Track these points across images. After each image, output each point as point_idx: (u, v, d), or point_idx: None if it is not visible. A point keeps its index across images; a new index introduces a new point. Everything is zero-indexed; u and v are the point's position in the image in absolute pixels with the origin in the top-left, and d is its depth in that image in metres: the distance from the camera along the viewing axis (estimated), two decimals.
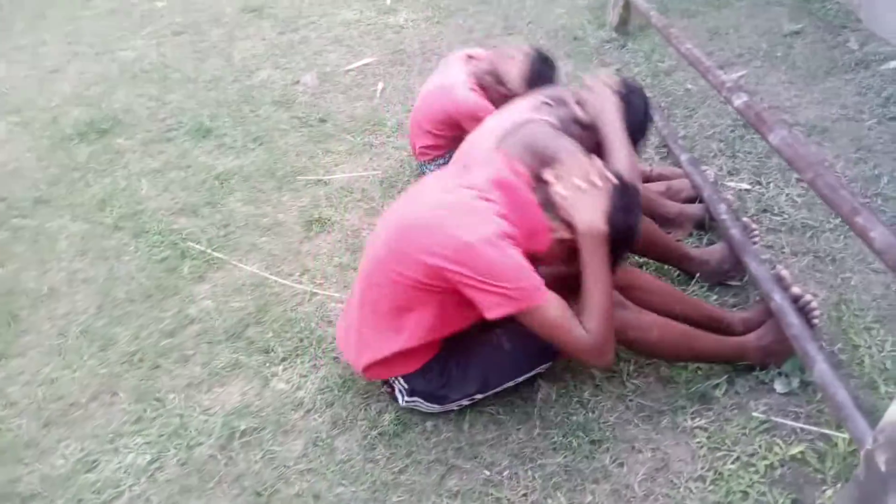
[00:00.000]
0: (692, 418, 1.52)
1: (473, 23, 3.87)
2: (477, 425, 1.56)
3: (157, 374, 1.78)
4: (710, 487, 1.38)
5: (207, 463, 1.53)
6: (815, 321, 1.53)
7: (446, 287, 1.32)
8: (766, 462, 1.40)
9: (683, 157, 2.18)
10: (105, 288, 2.11)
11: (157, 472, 1.53)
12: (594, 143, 1.65)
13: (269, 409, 1.65)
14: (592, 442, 1.49)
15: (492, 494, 1.41)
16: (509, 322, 1.32)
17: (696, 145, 2.50)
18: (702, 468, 1.41)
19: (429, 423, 1.57)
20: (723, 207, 1.89)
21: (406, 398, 1.53)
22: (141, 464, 1.54)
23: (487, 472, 1.46)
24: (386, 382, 1.57)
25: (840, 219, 1.51)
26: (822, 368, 1.31)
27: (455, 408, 1.56)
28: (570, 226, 1.36)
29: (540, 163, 1.52)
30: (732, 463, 1.41)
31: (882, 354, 1.60)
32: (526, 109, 1.78)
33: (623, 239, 1.38)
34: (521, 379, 1.53)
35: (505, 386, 1.54)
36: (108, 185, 2.64)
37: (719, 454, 1.44)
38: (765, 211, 2.11)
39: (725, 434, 1.47)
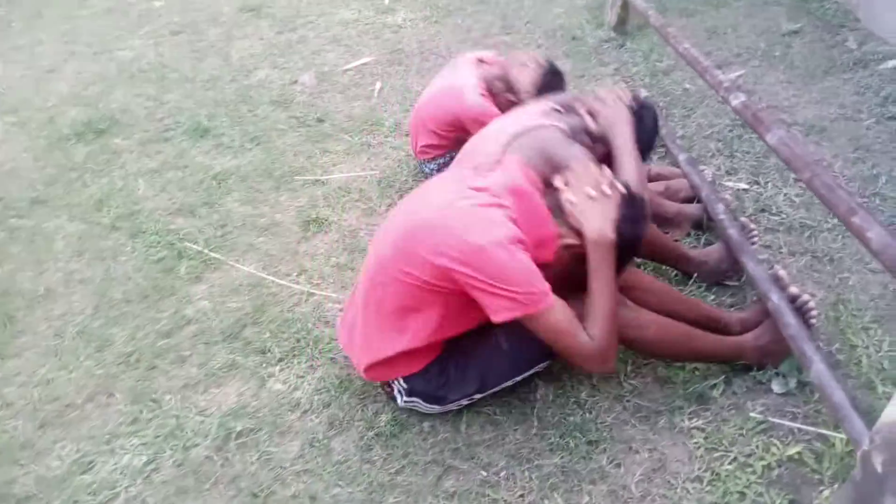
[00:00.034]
0: (689, 419, 1.51)
1: (472, 22, 3.87)
2: (474, 426, 1.56)
3: (153, 374, 1.78)
4: (708, 488, 1.37)
5: (203, 464, 1.53)
6: (813, 321, 1.52)
7: (453, 288, 1.32)
8: (764, 462, 1.40)
9: (681, 157, 2.18)
10: (101, 288, 2.10)
11: (153, 474, 1.52)
12: (602, 155, 1.67)
13: (266, 409, 1.65)
14: (589, 442, 1.48)
15: (488, 495, 1.41)
16: (508, 322, 1.32)
17: (695, 145, 2.49)
18: (699, 469, 1.41)
19: (426, 424, 1.57)
20: (721, 207, 1.89)
21: (405, 398, 1.53)
22: (137, 465, 1.54)
23: (484, 473, 1.45)
24: (385, 382, 1.57)
25: (838, 218, 1.51)
26: (819, 369, 1.31)
27: (454, 408, 1.55)
28: (578, 233, 1.37)
29: (550, 168, 1.54)
30: (730, 463, 1.41)
31: (879, 354, 1.59)
32: (536, 114, 1.79)
33: (628, 248, 1.40)
34: (519, 378, 1.53)
35: (503, 385, 1.54)
36: (105, 186, 2.64)
37: (716, 455, 1.43)
38: (763, 211, 2.11)
39: (723, 434, 1.47)
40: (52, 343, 1.92)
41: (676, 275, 1.90)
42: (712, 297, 1.83)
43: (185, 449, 1.56)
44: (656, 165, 2.36)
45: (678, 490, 1.38)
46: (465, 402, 1.54)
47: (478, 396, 1.54)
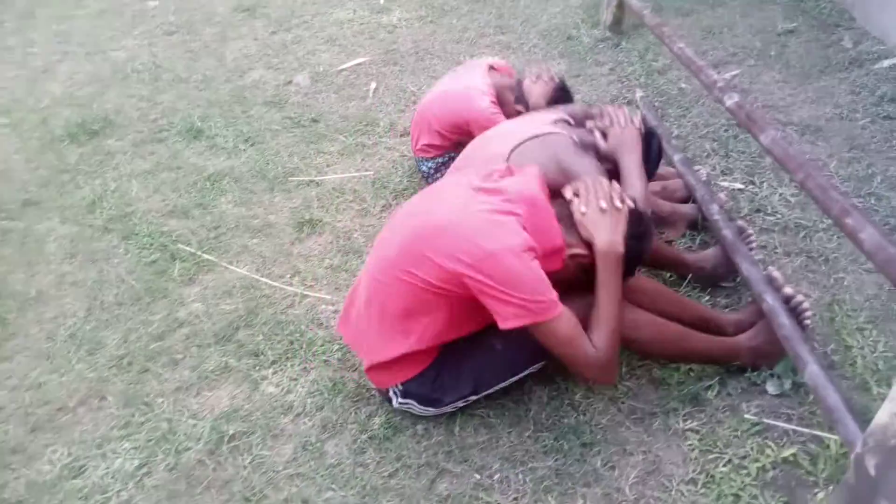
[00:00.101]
0: (684, 420, 1.51)
1: (467, 22, 3.86)
2: (468, 428, 1.55)
3: (145, 377, 1.77)
4: (702, 490, 1.37)
5: (195, 468, 1.52)
6: (807, 322, 1.52)
7: (459, 293, 1.32)
8: (758, 464, 1.39)
9: (676, 157, 2.17)
10: (94, 291, 2.09)
11: (144, 478, 1.51)
12: (608, 172, 1.68)
13: (259, 413, 1.64)
14: (584, 445, 1.48)
15: (482, 498, 1.40)
16: None
17: (690, 145, 2.49)
18: (693, 471, 1.41)
19: (419, 427, 1.56)
20: (716, 208, 1.88)
21: (400, 399, 1.52)
22: (128, 469, 1.53)
23: (478, 476, 1.44)
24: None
25: (831, 219, 1.51)
26: (813, 370, 1.30)
27: (450, 410, 1.54)
28: (586, 244, 1.38)
29: (560, 176, 1.56)
30: (724, 465, 1.40)
31: (874, 355, 1.59)
32: (546, 122, 1.80)
33: (631, 263, 1.41)
34: (514, 379, 1.52)
35: (498, 387, 1.53)
36: (98, 187, 2.62)
37: (711, 457, 1.43)
38: (758, 211, 2.11)
39: (717, 436, 1.46)
40: (43, 346, 1.90)
41: (671, 276, 1.89)
42: (707, 297, 1.82)
43: (177, 453, 1.55)
44: None
45: (672, 492, 1.37)
46: (460, 403, 1.53)
47: (473, 398, 1.53)
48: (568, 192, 1.44)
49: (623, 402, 1.56)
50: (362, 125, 2.90)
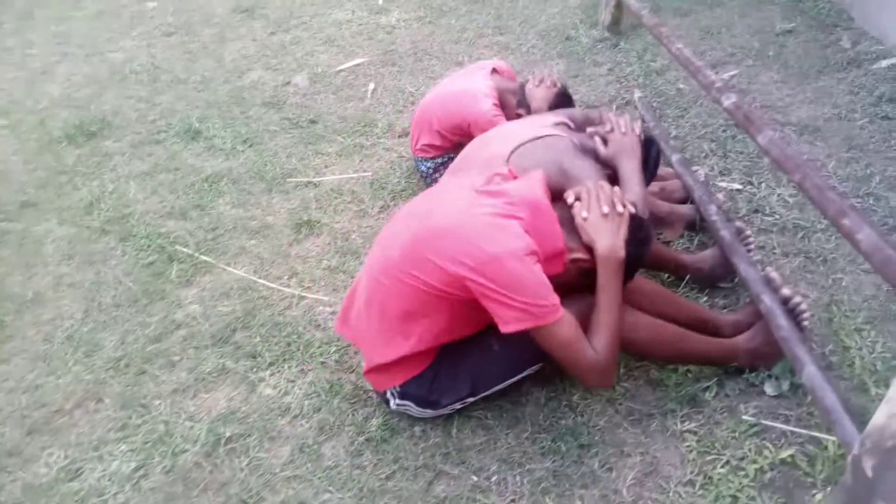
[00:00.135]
0: (682, 421, 1.50)
1: (465, 23, 3.85)
2: (465, 430, 1.54)
3: (142, 380, 1.76)
4: (700, 492, 1.37)
5: (192, 470, 1.51)
6: (805, 323, 1.52)
7: (461, 296, 1.31)
8: (756, 466, 1.39)
9: (674, 158, 2.17)
10: (91, 292, 2.09)
11: (141, 480, 1.51)
12: (606, 177, 1.68)
13: (256, 415, 1.63)
14: (581, 446, 1.47)
15: (480, 500, 1.40)
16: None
17: (688, 145, 2.49)
18: (691, 472, 1.40)
19: (417, 428, 1.55)
20: (714, 208, 1.88)
21: (397, 401, 1.52)
22: (125, 471, 1.52)
23: (475, 478, 1.44)
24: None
25: (828, 220, 1.51)
26: (811, 371, 1.30)
27: (447, 412, 1.54)
28: (587, 248, 1.39)
29: (560, 178, 1.57)
30: (722, 467, 1.40)
31: (873, 356, 1.59)
32: (547, 125, 1.80)
33: (630, 268, 1.42)
34: (511, 381, 1.52)
35: (496, 388, 1.52)
36: (95, 189, 2.62)
37: (709, 458, 1.42)
38: (756, 211, 2.10)
39: (715, 437, 1.46)
40: (40, 348, 1.90)
41: (669, 276, 1.89)
42: (705, 298, 1.82)
43: (173, 455, 1.55)
44: None
45: (670, 494, 1.37)
46: (457, 405, 1.53)
47: (470, 400, 1.53)
48: (570, 197, 1.44)
49: (621, 404, 1.56)
50: (360, 126, 2.90)
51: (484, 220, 1.32)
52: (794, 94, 2.70)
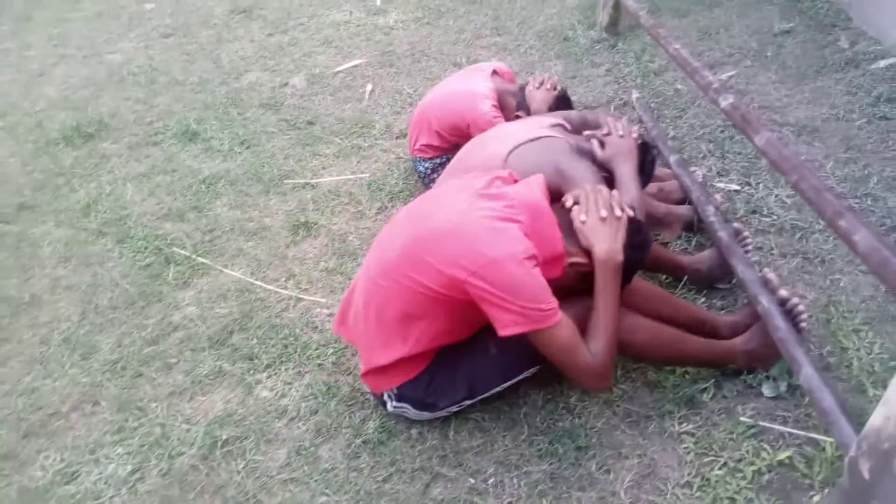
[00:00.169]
0: (679, 423, 1.50)
1: (463, 23, 3.85)
2: (462, 432, 1.54)
3: (139, 382, 1.76)
4: (697, 494, 1.36)
5: (189, 473, 1.51)
6: (803, 325, 1.51)
7: (460, 298, 1.31)
8: (754, 468, 1.38)
9: (672, 159, 2.17)
10: (88, 295, 2.08)
11: (137, 483, 1.50)
12: (603, 178, 1.68)
13: (253, 417, 1.63)
14: (578, 448, 1.47)
15: (476, 503, 1.39)
16: None
17: (686, 146, 2.48)
18: (689, 474, 1.40)
19: (414, 431, 1.55)
20: (711, 209, 1.88)
21: (394, 403, 1.52)
22: (121, 475, 1.52)
23: (472, 480, 1.44)
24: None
25: (825, 221, 1.51)
26: (808, 373, 1.30)
27: (444, 415, 1.54)
28: (586, 252, 1.38)
29: (558, 180, 1.57)
30: (720, 469, 1.40)
31: (870, 357, 1.58)
32: (544, 126, 1.80)
33: (629, 272, 1.42)
34: (508, 384, 1.51)
35: (493, 391, 1.52)
36: (93, 191, 2.62)
37: (706, 460, 1.42)
38: (754, 212, 2.10)
39: (713, 439, 1.45)
40: (37, 351, 1.89)
41: (667, 277, 1.88)
42: (702, 299, 1.82)
43: (170, 458, 1.54)
44: None
45: (668, 496, 1.37)
46: (454, 408, 1.52)
47: (467, 403, 1.52)
48: (568, 201, 1.43)
49: (618, 406, 1.56)
50: (358, 127, 2.90)
51: (483, 223, 1.32)
52: (792, 94, 2.70)
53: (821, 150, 2.34)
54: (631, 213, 1.42)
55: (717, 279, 1.83)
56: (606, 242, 1.36)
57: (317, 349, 1.79)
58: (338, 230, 2.28)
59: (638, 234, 1.42)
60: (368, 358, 1.48)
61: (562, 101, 2.21)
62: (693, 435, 1.47)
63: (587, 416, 1.54)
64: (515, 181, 1.52)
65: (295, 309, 1.95)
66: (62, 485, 1.51)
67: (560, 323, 1.29)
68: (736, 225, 1.86)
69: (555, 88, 2.21)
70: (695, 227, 2.01)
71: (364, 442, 1.54)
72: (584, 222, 1.38)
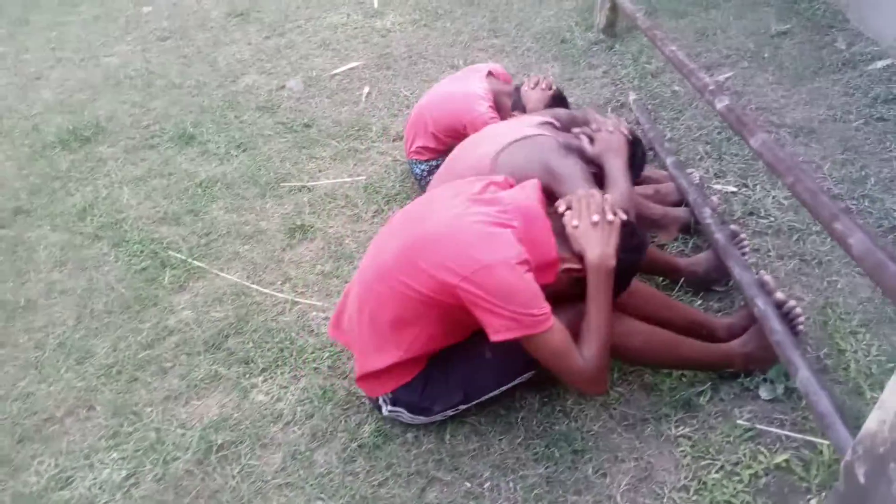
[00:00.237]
0: (676, 426, 1.50)
1: (461, 26, 3.85)
2: (458, 436, 1.53)
3: (134, 387, 1.75)
4: (694, 497, 1.36)
5: (184, 478, 1.50)
6: (800, 327, 1.51)
7: (452, 303, 1.30)
8: (751, 471, 1.38)
9: (669, 160, 2.16)
10: (83, 299, 2.08)
11: (132, 488, 1.50)
12: (592, 175, 1.68)
13: (248, 421, 1.62)
14: (575, 452, 1.46)
15: None
16: None
17: (683, 147, 2.48)
18: (685, 478, 1.39)
19: (409, 435, 1.54)
20: (708, 211, 1.87)
21: (389, 407, 1.51)
22: (116, 480, 1.51)
23: (468, 484, 1.43)
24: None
25: (820, 224, 1.50)
26: (804, 376, 1.29)
27: (440, 419, 1.53)
28: (578, 257, 1.38)
29: (547, 178, 1.57)
30: (716, 472, 1.39)
31: (868, 359, 1.58)
32: (533, 124, 1.80)
33: (624, 276, 1.41)
34: (504, 388, 1.51)
35: (488, 396, 1.51)
36: (89, 194, 2.61)
37: (703, 463, 1.41)
38: (751, 214, 2.10)
39: (709, 442, 1.45)
40: (31, 355, 1.89)
41: (663, 280, 1.88)
42: (699, 302, 1.81)
43: (165, 463, 1.54)
44: (646, 169, 2.34)
45: (664, 500, 1.36)
46: (450, 412, 1.52)
47: (463, 407, 1.52)
48: (561, 206, 1.43)
49: (615, 409, 1.55)
50: (355, 130, 2.90)
51: (476, 228, 1.31)
52: (789, 95, 2.69)
53: (818, 152, 2.33)
54: (624, 216, 1.41)
55: (714, 281, 1.82)
56: (598, 247, 1.36)
57: (312, 353, 1.79)
58: (334, 233, 2.27)
59: (633, 238, 1.42)
60: (363, 362, 1.47)
61: (557, 101, 2.20)
62: (690, 438, 1.47)
63: (583, 420, 1.53)
64: (511, 186, 1.51)
65: (291, 312, 1.95)
66: (56, 490, 1.51)
67: (552, 328, 1.28)
68: (733, 227, 1.86)
69: (550, 88, 2.21)
70: (691, 228, 2.01)
71: (360, 446, 1.53)
72: (576, 227, 1.38)
